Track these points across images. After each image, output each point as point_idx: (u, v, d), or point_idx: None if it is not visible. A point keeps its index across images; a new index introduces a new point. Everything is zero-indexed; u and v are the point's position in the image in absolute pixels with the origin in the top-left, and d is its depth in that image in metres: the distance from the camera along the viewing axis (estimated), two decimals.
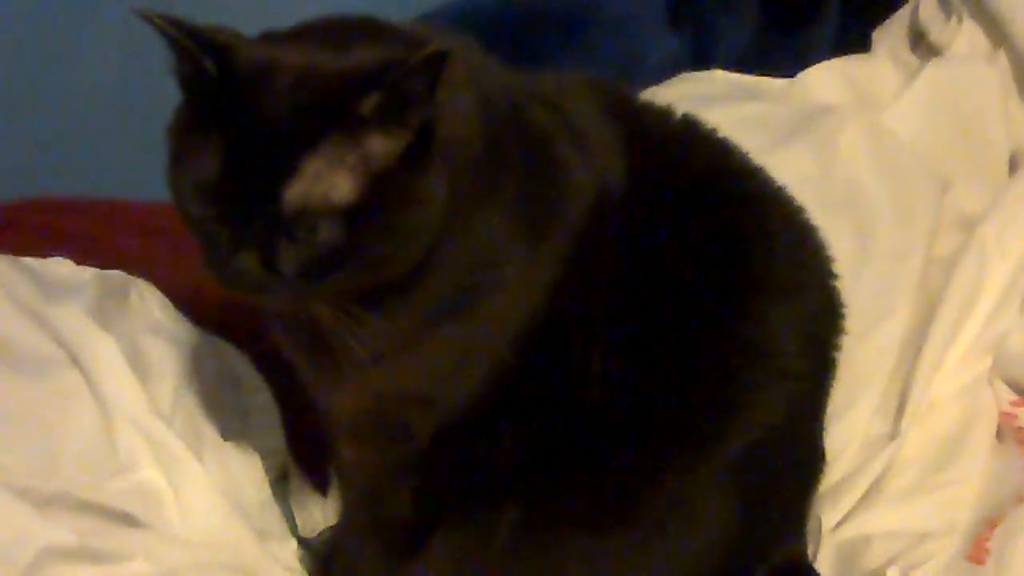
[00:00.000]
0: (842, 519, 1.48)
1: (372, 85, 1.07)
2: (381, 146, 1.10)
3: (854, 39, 2.22)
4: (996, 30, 1.97)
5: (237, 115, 1.09)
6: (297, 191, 1.07)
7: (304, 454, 1.63)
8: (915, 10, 2.12)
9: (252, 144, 1.08)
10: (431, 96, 1.09)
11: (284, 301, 1.16)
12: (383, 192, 1.10)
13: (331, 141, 1.08)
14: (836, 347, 1.40)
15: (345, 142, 1.09)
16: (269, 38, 1.19)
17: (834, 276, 1.41)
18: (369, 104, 1.08)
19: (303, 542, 1.57)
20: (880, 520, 1.47)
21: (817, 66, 2.06)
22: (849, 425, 1.55)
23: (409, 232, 1.14)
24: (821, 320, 1.38)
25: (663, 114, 1.43)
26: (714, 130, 1.42)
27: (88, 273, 1.71)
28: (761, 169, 1.42)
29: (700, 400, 1.30)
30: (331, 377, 1.31)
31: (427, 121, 1.11)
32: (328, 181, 1.08)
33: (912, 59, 2.08)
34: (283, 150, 1.08)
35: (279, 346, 1.36)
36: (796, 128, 1.89)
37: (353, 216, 1.09)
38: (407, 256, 1.15)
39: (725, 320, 1.31)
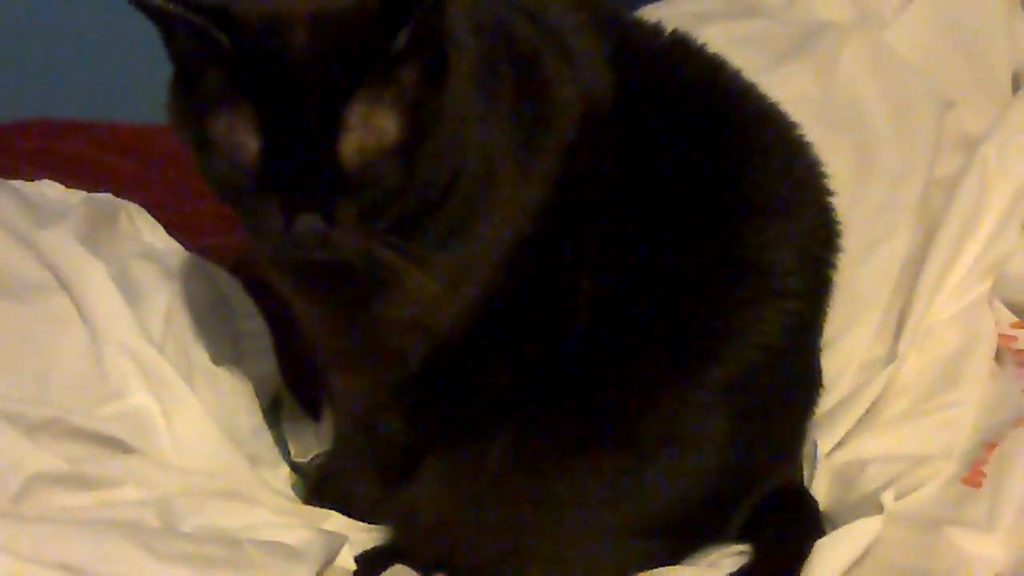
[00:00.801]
0: (838, 443, 1.47)
1: (399, 20, 1.07)
2: (410, 75, 1.10)
3: None
4: None
5: (262, 82, 1.08)
6: (351, 145, 1.08)
7: (296, 379, 1.63)
8: None
9: (288, 109, 1.07)
10: (443, 11, 1.10)
11: (346, 252, 1.15)
12: (421, 118, 1.11)
13: (367, 84, 1.08)
14: (832, 265, 1.39)
15: (380, 82, 1.09)
16: None
17: (829, 193, 1.40)
18: (402, 39, 1.08)
19: (296, 467, 1.58)
20: (876, 444, 1.46)
21: None
22: (847, 348, 1.54)
23: (449, 150, 1.16)
24: (816, 237, 1.37)
25: (652, 30, 1.41)
26: (704, 46, 1.40)
27: (77, 196, 1.71)
28: (753, 85, 1.41)
29: (693, 320, 1.29)
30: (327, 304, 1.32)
31: (441, 38, 1.12)
32: (375, 125, 1.09)
33: None
34: (323, 107, 1.08)
35: (273, 281, 1.37)
36: (796, 46, 1.87)
37: (403, 151, 1.10)
38: (447, 175, 1.18)
39: (717, 238, 1.30)
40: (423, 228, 1.21)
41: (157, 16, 1.10)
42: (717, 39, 1.43)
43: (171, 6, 1.07)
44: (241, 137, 1.08)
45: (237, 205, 1.14)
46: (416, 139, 1.11)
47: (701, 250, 1.30)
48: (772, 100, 1.41)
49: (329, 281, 1.28)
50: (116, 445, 1.42)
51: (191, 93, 1.13)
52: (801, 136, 1.40)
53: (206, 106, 1.11)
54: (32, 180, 1.72)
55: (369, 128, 1.08)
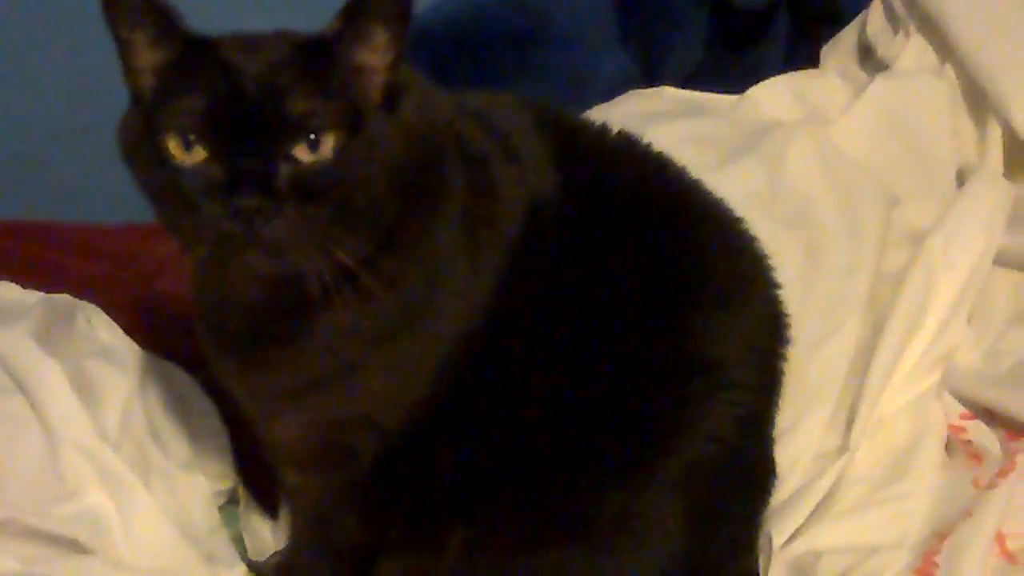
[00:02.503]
0: (792, 534, 1.47)
1: (341, 14, 1.18)
2: (364, 58, 1.19)
3: (803, 55, 2.24)
4: (943, 44, 1.97)
5: (218, 70, 1.16)
6: (298, 99, 1.15)
7: (254, 477, 1.62)
8: (863, 25, 2.13)
9: (240, 81, 1.15)
10: (403, 18, 1.18)
11: (280, 236, 1.16)
12: (365, 120, 1.18)
13: (316, 70, 1.17)
14: (781, 356, 1.41)
15: (328, 70, 1.18)
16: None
17: (776, 286, 1.41)
18: (333, 28, 1.17)
19: (252, 566, 1.56)
20: (830, 535, 1.46)
21: (766, 82, 2.06)
22: (799, 440, 1.55)
23: (387, 164, 1.19)
24: (763, 329, 1.39)
25: (598, 131, 1.44)
26: (649, 145, 1.43)
27: (34, 297, 1.71)
28: (698, 182, 1.43)
29: (643, 414, 1.30)
30: (273, 402, 1.33)
31: (396, 64, 1.20)
32: (320, 98, 1.16)
33: (860, 74, 2.09)
34: (275, 79, 1.15)
35: (220, 379, 1.37)
36: (745, 144, 1.89)
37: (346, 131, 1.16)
38: (370, 211, 1.20)
39: (664, 332, 1.31)
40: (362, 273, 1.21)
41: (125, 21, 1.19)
42: (666, 138, 1.45)
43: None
44: (192, 103, 1.15)
45: (181, 186, 1.16)
46: (358, 130, 1.18)
47: (649, 345, 1.31)
48: (717, 197, 1.43)
49: (278, 374, 1.29)
50: (71, 546, 1.41)
51: (142, 108, 1.20)
52: (746, 231, 1.42)
53: (159, 104, 1.18)
54: None
55: (314, 98, 1.15)
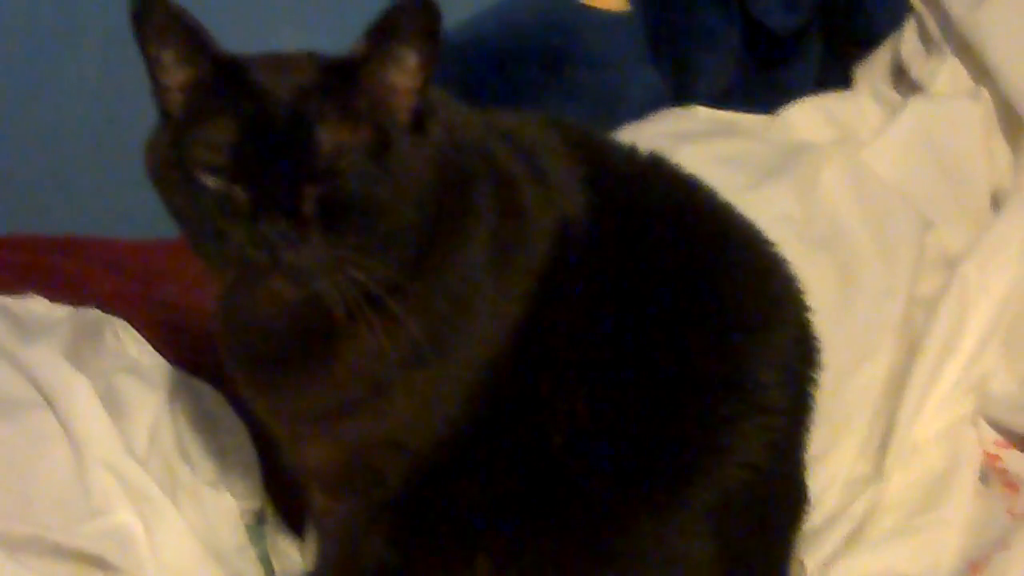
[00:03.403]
0: (825, 562, 1.46)
1: (368, 35, 1.16)
2: (390, 83, 1.18)
3: (836, 76, 2.23)
4: (979, 67, 1.96)
5: (246, 94, 1.15)
6: (327, 130, 1.14)
7: (281, 496, 1.61)
8: (897, 46, 2.13)
9: (269, 108, 1.14)
10: (432, 38, 1.16)
11: (305, 264, 1.15)
12: (390, 144, 1.17)
13: (344, 93, 1.16)
14: (812, 381, 1.39)
15: (352, 89, 1.16)
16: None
17: (807, 309, 1.40)
18: (360, 50, 1.16)
19: None
20: (863, 563, 1.45)
21: (798, 103, 2.07)
22: (832, 466, 1.54)
23: (415, 191, 1.18)
24: (795, 352, 1.37)
25: (628, 152, 1.43)
26: (680, 167, 1.41)
27: (63, 312, 1.71)
28: (729, 204, 1.41)
29: (674, 439, 1.29)
30: (301, 426, 1.33)
31: (425, 86, 1.18)
32: (349, 126, 1.15)
33: (894, 96, 2.09)
34: (304, 105, 1.14)
35: (246, 400, 1.38)
36: (777, 166, 1.88)
37: (372, 155, 1.15)
38: (401, 239, 1.19)
39: (694, 356, 1.30)
40: (392, 298, 1.20)
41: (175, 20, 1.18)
42: (697, 159, 1.44)
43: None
44: (220, 133, 1.14)
45: (208, 211, 1.15)
46: (386, 155, 1.16)
47: (679, 368, 1.30)
48: (748, 219, 1.42)
49: (304, 398, 1.29)
50: (98, 563, 1.40)
51: (170, 127, 1.19)
52: (777, 253, 1.40)
53: (188, 126, 1.17)
54: (18, 295, 1.72)
55: (343, 124, 1.14)
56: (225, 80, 1.16)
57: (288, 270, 1.14)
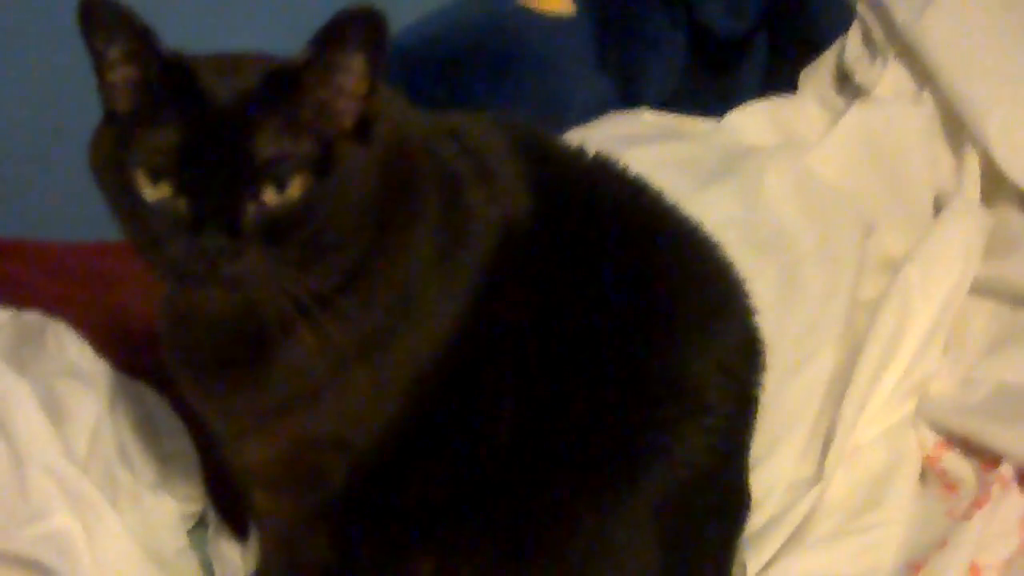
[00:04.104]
0: (767, 563, 1.46)
1: (313, 42, 1.15)
2: (332, 95, 1.17)
3: (781, 80, 2.23)
4: (922, 71, 1.97)
5: (189, 98, 1.14)
6: (267, 141, 1.13)
7: (223, 499, 1.60)
8: (841, 51, 2.14)
9: (211, 116, 1.13)
10: (378, 48, 1.15)
11: (248, 278, 1.15)
12: (336, 157, 1.16)
13: (287, 101, 1.15)
14: (755, 383, 1.40)
15: (294, 99, 1.15)
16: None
17: (751, 311, 1.40)
18: (304, 55, 1.15)
19: None
20: (804, 565, 1.45)
21: (743, 107, 2.07)
22: (774, 468, 1.54)
23: (358, 200, 1.18)
24: (738, 354, 1.38)
25: (574, 152, 1.43)
26: (626, 168, 1.42)
27: (3, 315, 1.70)
28: (675, 206, 1.42)
29: (616, 438, 1.29)
30: (243, 423, 1.32)
31: (372, 93, 1.17)
32: (290, 136, 1.14)
33: (838, 100, 2.09)
34: (245, 113, 1.13)
35: (188, 399, 1.37)
36: (722, 169, 1.89)
37: (315, 168, 1.15)
38: (343, 246, 1.19)
39: (635, 355, 1.30)
40: (332, 302, 1.21)
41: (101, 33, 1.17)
42: (644, 162, 1.44)
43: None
44: (161, 140, 1.13)
45: (148, 219, 1.15)
46: (328, 168, 1.16)
47: (619, 367, 1.30)
48: (694, 221, 1.42)
49: (245, 395, 1.28)
50: (37, 568, 1.39)
51: (115, 125, 1.19)
52: (723, 256, 1.41)
53: (132, 128, 1.16)
54: None
55: (284, 133, 1.13)
56: (171, 81, 1.15)
57: (224, 282, 1.14)
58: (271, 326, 1.21)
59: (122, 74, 1.18)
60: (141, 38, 1.16)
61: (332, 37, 1.15)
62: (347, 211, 1.17)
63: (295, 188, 1.14)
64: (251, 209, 1.13)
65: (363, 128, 1.19)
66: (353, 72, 1.16)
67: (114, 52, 1.17)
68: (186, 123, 1.13)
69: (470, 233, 1.30)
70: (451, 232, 1.29)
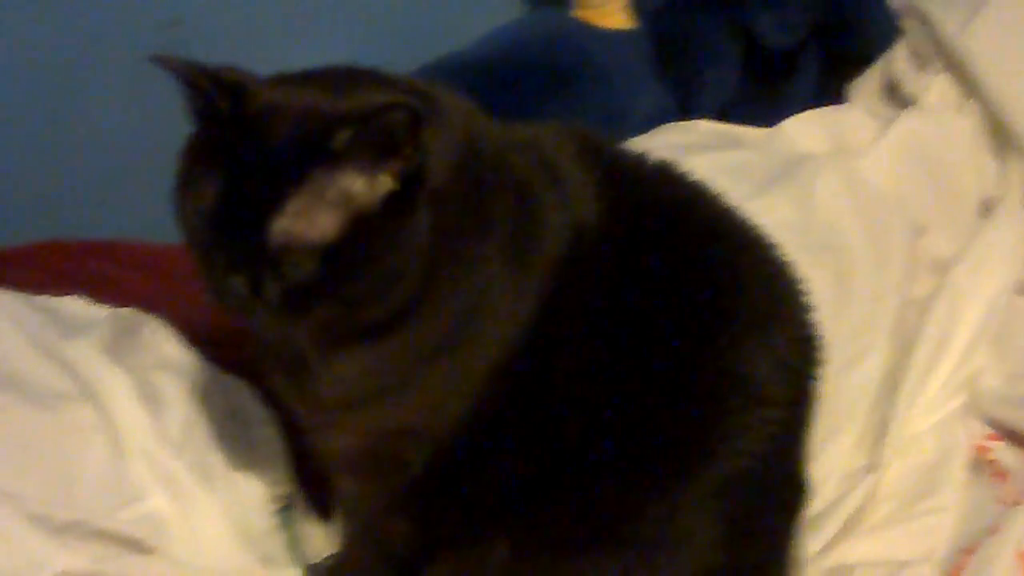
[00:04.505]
0: (824, 547, 1.48)
1: (346, 122, 1.11)
2: (360, 185, 1.13)
3: (831, 92, 2.25)
4: (967, 83, 1.98)
5: (239, 150, 1.13)
6: (281, 226, 1.11)
7: (308, 483, 1.62)
8: (888, 64, 2.15)
9: (248, 178, 1.12)
10: (412, 141, 1.12)
11: (269, 327, 1.20)
12: (364, 233, 1.13)
13: (313, 177, 1.12)
14: (813, 376, 1.39)
15: (324, 178, 1.12)
16: (281, 79, 1.22)
17: (809, 308, 1.40)
18: (341, 139, 1.11)
19: (307, 568, 1.57)
20: (861, 549, 1.47)
21: (797, 116, 2.08)
22: (830, 457, 1.55)
23: (389, 274, 1.17)
24: (796, 349, 1.38)
25: (637, 159, 1.43)
26: (687, 173, 1.42)
27: (103, 311, 1.72)
28: (734, 208, 1.42)
29: (680, 427, 1.30)
30: (321, 416, 1.35)
31: (413, 170, 1.14)
32: (310, 218, 1.12)
33: (886, 110, 2.10)
34: (273, 185, 1.12)
35: (275, 388, 1.39)
36: (776, 175, 1.90)
37: (333, 253, 1.13)
38: (386, 297, 1.19)
39: (699, 350, 1.31)
40: (390, 341, 1.23)
41: (180, 79, 1.17)
42: (702, 169, 1.44)
43: (188, 71, 1.16)
44: (207, 187, 1.13)
45: (195, 249, 1.18)
46: (352, 249, 1.13)
47: (687, 363, 1.30)
48: (752, 222, 1.42)
49: (317, 390, 1.30)
50: (136, 546, 1.42)
51: (194, 140, 1.19)
52: (780, 256, 1.41)
53: (195, 151, 1.17)
54: (61, 296, 1.73)
55: (302, 218, 1.11)
56: (225, 125, 1.15)
57: (253, 326, 1.19)
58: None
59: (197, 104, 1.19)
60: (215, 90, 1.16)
61: (365, 131, 1.12)
62: (381, 279, 1.17)
63: (309, 268, 1.13)
64: (270, 279, 1.12)
65: (406, 194, 1.16)
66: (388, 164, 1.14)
67: (193, 94, 1.19)
68: (226, 174, 1.13)
69: (541, 239, 1.30)
70: (523, 239, 1.29)
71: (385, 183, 1.14)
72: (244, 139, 1.14)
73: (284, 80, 1.22)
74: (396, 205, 1.14)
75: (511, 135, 1.37)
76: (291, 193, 1.11)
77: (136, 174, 1.88)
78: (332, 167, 1.12)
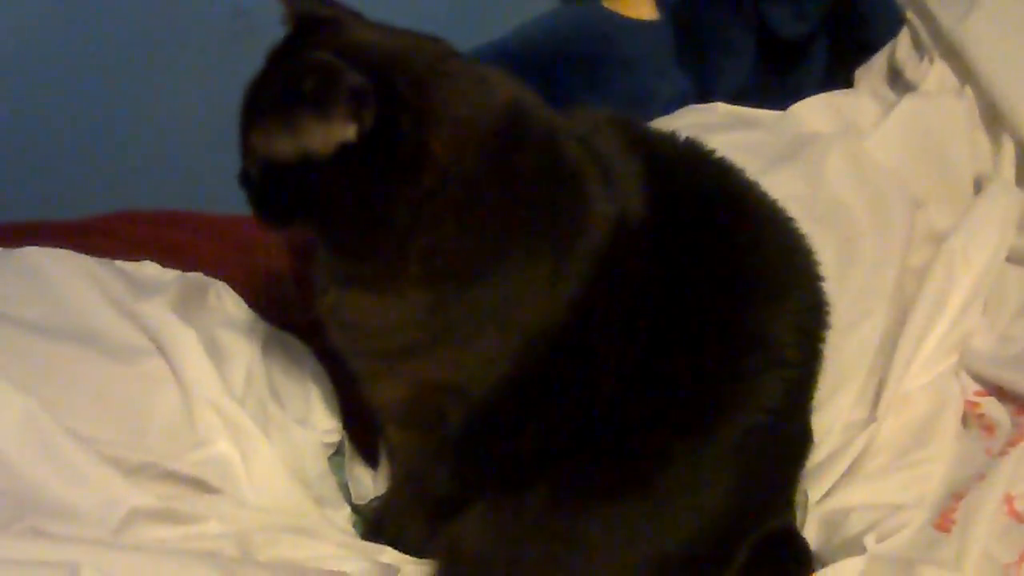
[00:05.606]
0: (826, 493, 1.47)
1: (316, 72, 1.16)
2: (313, 127, 1.18)
3: (839, 77, 2.23)
4: (964, 69, 1.96)
5: (279, 60, 1.26)
6: (254, 137, 1.24)
7: (358, 433, 1.63)
8: (892, 52, 2.13)
9: (264, 88, 1.24)
10: (353, 104, 1.17)
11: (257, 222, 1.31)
12: (316, 170, 1.20)
13: (284, 107, 1.19)
14: (823, 339, 1.39)
15: (290, 111, 1.19)
16: (372, 27, 1.30)
17: (820, 277, 1.40)
18: (308, 85, 1.17)
19: (355, 508, 1.58)
20: (859, 494, 1.46)
21: (806, 99, 2.06)
22: (833, 411, 1.54)
23: (345, 221, 1.24)
24: (810, 315, 1.37)
25: (671, 139, 1.43)
26: (713, 151, 1.42)
27: (172, 275, 1.73)
28: (756, 184, 1.42)
29: (706, 385, 1.29)
30: (375, 366, 1.37)
31: (383, 134, 1.18)
32: (270, 139, 1.21)
33: (890, 94, 2.08)
34: (265, 100, 1.23)
35: (333, 345, 1.40)
36: (787, 153, 1.88)
37: (281, 174, 1.22)
38: (350, 246, 1.27)
39: (728, 317, 1.31)
40: (447, 296, 1.26)
41: None
42: (721, 147, 1.44)
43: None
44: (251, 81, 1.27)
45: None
46: (300, 176, 1.21)
47: (713, 328, 1.30)
48: (772, 197, 1.42)
49: (376, 339, 1.32)
50: (202, 486, 1.43)
51: None
52: (797, 228, 1.41)
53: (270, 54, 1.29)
54: (134, 261, 1.75)
55: (268, 136, 1.21)
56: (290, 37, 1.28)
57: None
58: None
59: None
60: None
61: (326, 83, 1.17)
62: (337, 215, 1.24)
63: (262, 177, 1.26)
64: (248, 182, 1.29)
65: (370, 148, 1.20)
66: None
67: None
68: (256, 80, 1.27)
69: (588, 224, 1.29)
70: (568, 223, 1.29)
71: (337, 133, 1.18)
72: (285, 56, 1.24)
73: (369, 28, 1.29)
74: (353, 158, 1.19)
75: (564, 123, 1.36)
76: (267, 112, 1.21)
77: (202, 150, 1.89)
78: (297, 105, 1.17)
